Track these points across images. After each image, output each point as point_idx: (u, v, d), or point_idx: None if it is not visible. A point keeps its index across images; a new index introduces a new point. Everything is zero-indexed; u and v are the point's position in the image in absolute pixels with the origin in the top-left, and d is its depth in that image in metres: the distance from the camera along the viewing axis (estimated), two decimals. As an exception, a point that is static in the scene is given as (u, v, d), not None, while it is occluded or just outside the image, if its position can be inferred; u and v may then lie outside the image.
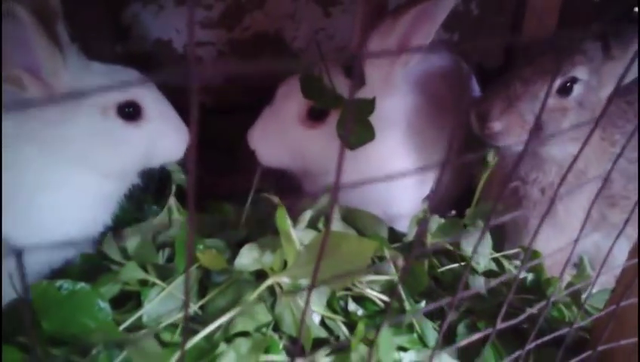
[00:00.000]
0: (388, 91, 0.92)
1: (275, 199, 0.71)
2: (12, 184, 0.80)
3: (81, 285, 0.65)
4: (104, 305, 0.65)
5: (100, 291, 0.65)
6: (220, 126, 1.04)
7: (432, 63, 1.08)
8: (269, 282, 0.64)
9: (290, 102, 0.91)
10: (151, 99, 0.84)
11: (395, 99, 0.95)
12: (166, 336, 0.66)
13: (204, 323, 0.65)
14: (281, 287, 0.70)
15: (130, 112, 0.81)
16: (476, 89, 1.14)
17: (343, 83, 0.89)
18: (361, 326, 0.68)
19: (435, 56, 1.06)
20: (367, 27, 0.89)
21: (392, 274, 0.76)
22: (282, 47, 1.48)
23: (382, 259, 0.79)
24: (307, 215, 0.75)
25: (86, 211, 0.84)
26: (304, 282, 0.66)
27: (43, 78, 0.76)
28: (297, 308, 0.64)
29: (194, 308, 0.70)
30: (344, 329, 0.73)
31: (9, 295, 0.68)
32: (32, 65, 0.75)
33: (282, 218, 0.66)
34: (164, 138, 0.85)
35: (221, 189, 1.01)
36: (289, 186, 1.08)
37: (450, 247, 0.90)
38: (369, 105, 0.83)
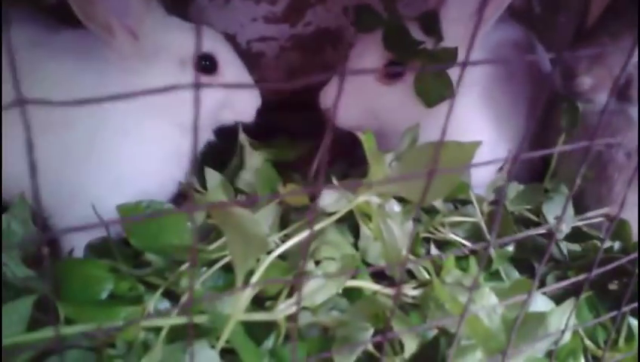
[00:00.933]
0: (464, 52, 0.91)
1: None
2: (93, 133, 0.81)
3: (168, 206, 0.65)
4: (189, 224, 0.64)
5: (185, 214, 0.65)
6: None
7: (506, 34, 1.07)
8: (360, 199, 0.62)
9: (366, 58, 0.91)
10: (226, 56, 0.86)
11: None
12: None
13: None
14: (367, 215, 0.68)
15: (206, 65, 0.83)
16: (547, 64, 1.12)
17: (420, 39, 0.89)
18: (450, 263, 0.65)
19: (508, 28, 1.05)
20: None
21: (476, 218, 0.73)
22: (343, 42, 1.50)
23: (465, 203, 0.76)
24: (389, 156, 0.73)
25: (163, 165, 0.84)
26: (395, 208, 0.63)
27: (130, 26, 0.79)
28: (388, 230, 0.61)
29: (274, 238, 0.68)
30: (425, 274, 0.70)
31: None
32: (121, 14, 0.78)
33: (369, 139, 0.64)
34: (237, 95, 0.86)
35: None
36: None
37: (531, 215, 0.87)
38: (450, 54, 0.82)
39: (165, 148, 0.84)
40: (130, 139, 0.82)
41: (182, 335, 0.56)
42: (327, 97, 0.94)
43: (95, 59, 0.81)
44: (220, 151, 0.90)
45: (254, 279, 0.53)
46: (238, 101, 0.87)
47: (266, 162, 0.79)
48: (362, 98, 0.91)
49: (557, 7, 1.47)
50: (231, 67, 0.86)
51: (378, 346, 0.60)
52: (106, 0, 0.74)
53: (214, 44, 0.85)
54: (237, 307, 0.54)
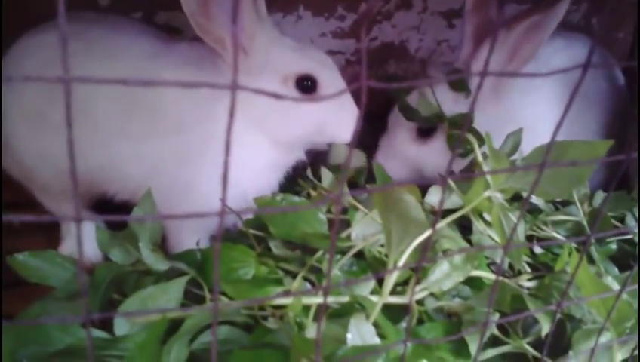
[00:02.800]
0: (498, 96, 0.97)
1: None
2: (203, 138, 0.87)
3: (301, 199, 0.70)
4: (322, 216, 0.70)
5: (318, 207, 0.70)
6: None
7: (576, 52, 1.11)
8: (486, 194, 0.66)
9: (400, 126, 1.01)
10: (328, 78, 0.89)
11: (530, 98, 0.99)
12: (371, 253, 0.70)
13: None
14: (480, 215, 0.73)
15: (307, 85, 0.87)
16: (621, 79, 1.16)
17: (448, 97, 0.97)
18: (564, 256, 0.69)
19: (578, 45, 1.10)
20: (476, 39, 0.96)
21: (579, 217, 0.77)
22: (406, 57, 1.56)
23: (567, 203, 0.80)
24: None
25: (260, 175, 0.90)
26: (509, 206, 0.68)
27: (241, 42, 0.85)
28: (509, 225, 0.66)
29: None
30: (527, 268, 0.75)
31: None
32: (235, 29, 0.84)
33: (489, 137, 0.69)
34: (334, 117, 0.89)
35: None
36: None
37: (617, 223, 0.90)
38: (467, 119, 0.88)
39: (261, 159, 0.89)
40: (234, 146, 0.88)
41: (328, 316, 0.61)
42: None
43: (209, 71, 0.87)
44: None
45: (401, 263, 0.58)
46: (334, 123, 0.89)
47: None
48: (405, 159, 1.02)
49: (615, 23, 1.52)
50: (331, 89, 0.88)
51: (503, 330, 0.64)
52: (221, 16, 0.80)
53: (315, 65, 0.88)
54: (385, 289, 0.59)
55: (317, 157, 0.93)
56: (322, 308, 0.37)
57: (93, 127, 0.88)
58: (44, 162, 0.91)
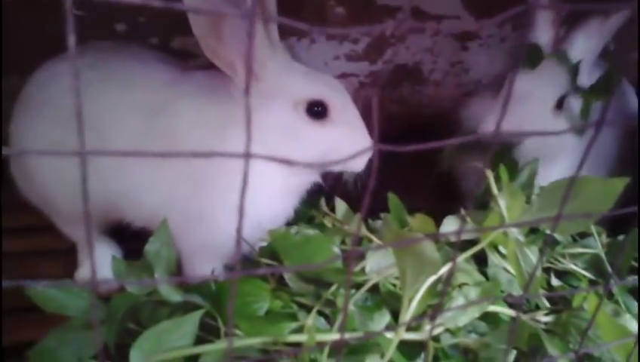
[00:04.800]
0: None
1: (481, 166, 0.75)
2: (216, 166, 0.88)
3: (315, 232, 0.70)
4: (336, 249, 0.70)
5: (330, 238, 0.70)
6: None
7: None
8: (499, 230, 0.66)
9: (538, 92, 0.96)
10: (339, 103, 0.88)
11: None
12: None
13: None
14: (495, 247, 0.72)
15: (317, 111, 0.86)
16: (634, 101, 1.15)
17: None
18: (579, 298, 0.69)
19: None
20: (556, 23, 0.96)
21: (597, 249, 0.76)
22: (420, 79, 1.57)
23: (584, 236, 0.79)
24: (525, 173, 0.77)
25: (273, 201, 0.90)
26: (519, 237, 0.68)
27: (253, 67, 0.86)
28: (526, 260, 0.65)
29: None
30: (545, 302, 0.74)
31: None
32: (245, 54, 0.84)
33: (504, 172, 0.69)
34: (346, 144, 0.87)
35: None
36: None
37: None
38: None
39: (275, 186, 0.89)
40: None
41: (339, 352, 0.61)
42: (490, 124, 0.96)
43: (223, 97, 0.88)
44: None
45: (415, 302, 0.58)
46: (345, 150, 0.86)
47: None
48: (534, 125, 0.94)
49: (632, 45, 1.51)
50: (342, 114, 0.87)
51: (521, 369, 0.64)
52: (232, 40, 0.80)
53: (326, 90, 0.87)
54: (401, 328, 0.58)
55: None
56: (340, 344, 0.37)
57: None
58: (63, 188, 0.93)
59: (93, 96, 0.88)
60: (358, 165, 0.88)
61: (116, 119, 0.89)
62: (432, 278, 0.55)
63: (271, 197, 0.90)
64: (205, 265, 0.92)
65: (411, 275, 0.54)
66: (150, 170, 0.90)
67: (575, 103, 0.97)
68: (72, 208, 0.96)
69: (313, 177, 0.93)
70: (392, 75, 1.54)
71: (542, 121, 0.94)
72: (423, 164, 1.08)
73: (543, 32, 0.98)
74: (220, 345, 0.60)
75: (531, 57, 0.94)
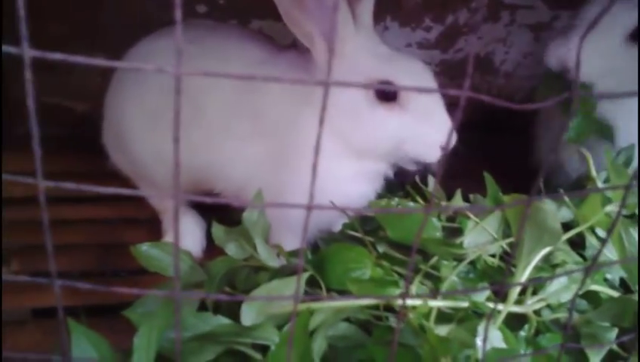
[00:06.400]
0: None
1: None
2: (294, 144, 0.89)
3: (414, 204, 0.72)
4: (437, 223, 0.72)
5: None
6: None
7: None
8: (607, 209, 0.66)
9: (618, 19, 0.94)
10: (411, 84, 0.83)
11: None
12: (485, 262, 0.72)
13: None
14: (592, 230, 0.73)
15: (386, 93, 0.83)
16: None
17: None
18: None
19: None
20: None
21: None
22: (491, 69, 1.56)
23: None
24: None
25: (346, 184, 0.90)
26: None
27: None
28: (630, 240, 0.66)
29: (502, 243, 0.73)
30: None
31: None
32: (326, 28, 0.83)
33: (609, 154, 0.70)
34: (418, 133, 0.83)
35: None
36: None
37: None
38: None
39: (345, 169, 0.89)
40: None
41: (443, 320, 0.63)
42: (567, 53, 0.95)
43: (307, 75, 0.90)
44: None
45: (526, 274, 0.59)
46: (418, 138, 0.83)
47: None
48: (607, 56, 0.93)
49: None
50: (414, 99, 0.83)
51: (622, 346, 0.64)
52: (315, 14, 0.80)
53: (397, 73, 0.83)
54: (510, 298, 0.60)
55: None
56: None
57: (205, 127, 0.93)
58: (158, 158, 0.97)
59: (192, 69, 0.92)
60: (434, 155, 0.84)
61: (211, 92, 0.93)
62: (548, 249, 0.56)
63: (342, 181, 0.90)
64: (289, 239, 0.95)
65: (528, 246, 0.56)
66: (240, 143, 0.93)
67: None
68: (163, 178, 1.00)
69: (385, 168, 0.91)
70: (463, 65, 1.54)
71: (612, 53, 0.92)
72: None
73: None
74: (332, 302, 0.62)
75: None
